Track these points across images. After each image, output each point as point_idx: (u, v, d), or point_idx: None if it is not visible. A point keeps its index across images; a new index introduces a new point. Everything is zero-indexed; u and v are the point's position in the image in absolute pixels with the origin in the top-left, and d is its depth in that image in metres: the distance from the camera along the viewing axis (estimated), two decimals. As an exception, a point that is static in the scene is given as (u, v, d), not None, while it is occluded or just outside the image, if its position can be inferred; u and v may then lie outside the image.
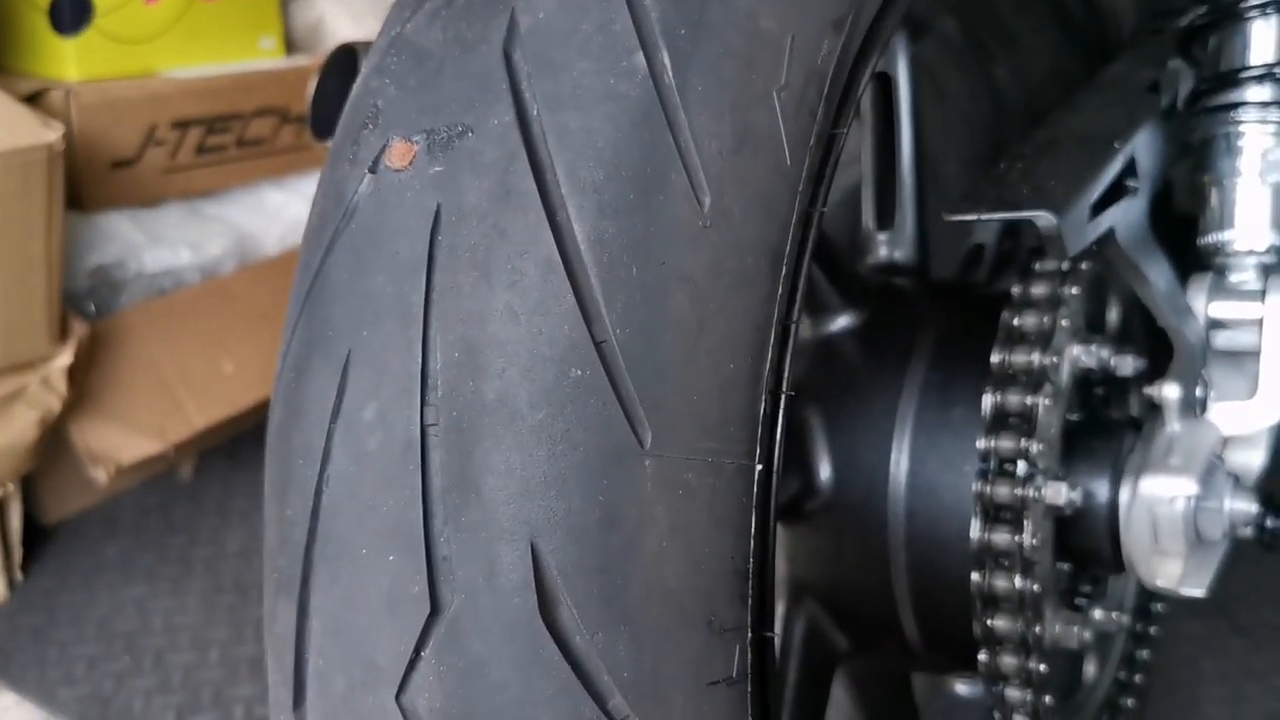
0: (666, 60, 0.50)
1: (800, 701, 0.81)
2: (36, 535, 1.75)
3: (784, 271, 0.51)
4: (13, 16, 1.78)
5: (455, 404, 0.47)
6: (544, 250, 0.48)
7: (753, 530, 0.50)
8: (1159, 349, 0.81)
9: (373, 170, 0.53)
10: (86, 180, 1.74)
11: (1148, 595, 1.00)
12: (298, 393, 0.52)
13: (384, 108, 0.54)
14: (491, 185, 0.49)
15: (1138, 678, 0.98)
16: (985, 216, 0.64)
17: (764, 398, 0.50)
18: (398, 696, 0.47)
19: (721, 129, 0.50)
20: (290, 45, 2.14)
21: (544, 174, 0.49)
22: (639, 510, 0.47)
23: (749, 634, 0.50)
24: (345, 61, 0.85)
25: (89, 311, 1.70)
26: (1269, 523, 0.80)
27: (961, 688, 0.99)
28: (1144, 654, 0.99)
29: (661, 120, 0.49)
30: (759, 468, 0.50)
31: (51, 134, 1.45)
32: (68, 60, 1.76)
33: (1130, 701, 0.97)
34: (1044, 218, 0.62)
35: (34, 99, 1.68)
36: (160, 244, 1.81)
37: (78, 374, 1.60)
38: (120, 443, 1.66)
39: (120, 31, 1.82)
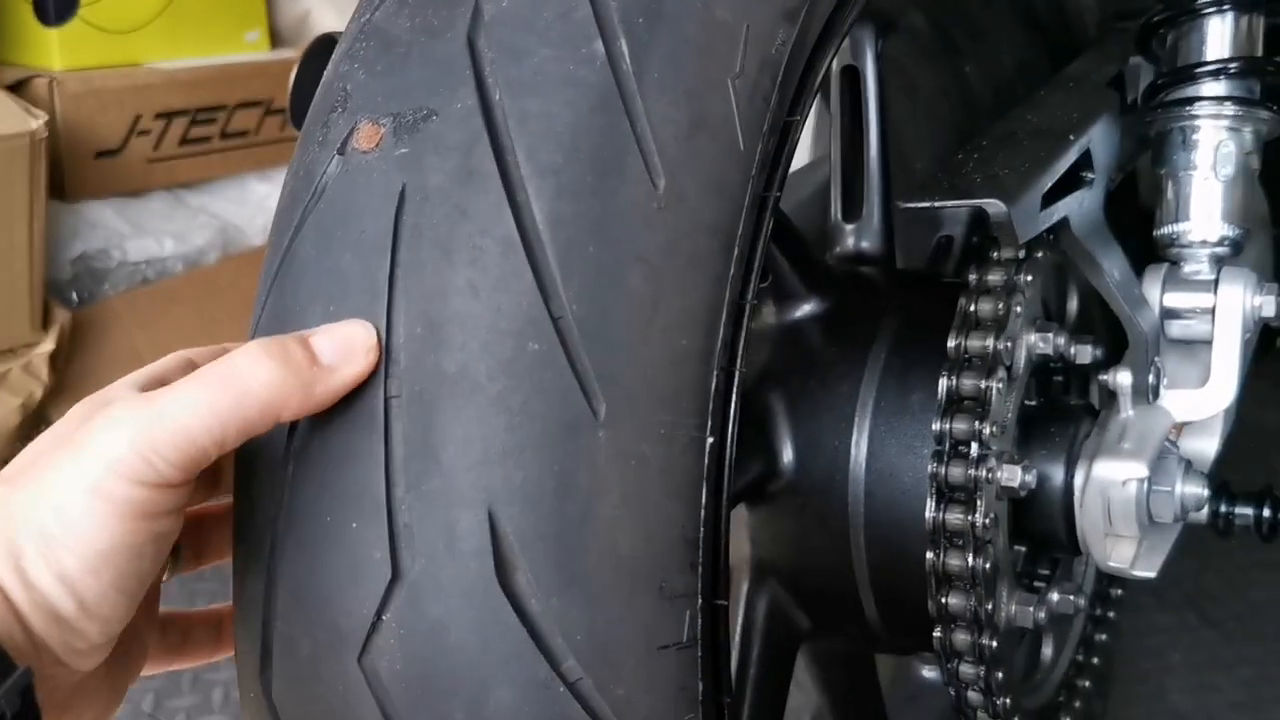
0: (625, 48, 0.51)
1: (762, 681, 0.83)
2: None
3: (736, 253, 0.53)
4: (-3, 6, 1.79)
5: (417, 376, 0.49)
6: (504, 229, 0.49)
7: (704, 500, 0.51)
8: (1117, 337, 0.83)
9: (341, 152, 0.54)
10: (70, 169, 1.75)
11: (1106, 579, 1.02)
12: (266, 367, 0.53)
13: (353, 91, 0.56)
14: (454, 167, 0.51)
15: (1095, 660, 1.00)
16: (938, 204, 0.65)
17: (716, 373, 0.52)
18: (360, 659, 0.49)
19: (677, 114, 0.52)
20: (276, 39, 2.15)
21: (505, 156, 0.50)
22: (593, 479, 0.49)
23: (699, 601, 0.52)
24: (325, 51, 0.86)
25: (72, 300, 1.71)
26: (1221, 508, 0.82)
27: (926, 672, 1.01)
28: (1103, 637, 1.01)
29: (619, 106, 0.51)
30: (710, 440, 0.51)
31: (34, 122, 1.47)
32: (52, 50, 1.77)
33: (1087, 683, 0.99)
34: (994, 205, 0.64)
35: (18, 88, 1.69)
36: (144, 233, 1.82)
37: (60, 361, 1.61)
38: (102, 430, 1.67)
39: (105, 22, 1.83)
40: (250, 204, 2.00)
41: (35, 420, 1.60)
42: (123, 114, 1.80)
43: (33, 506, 0.46)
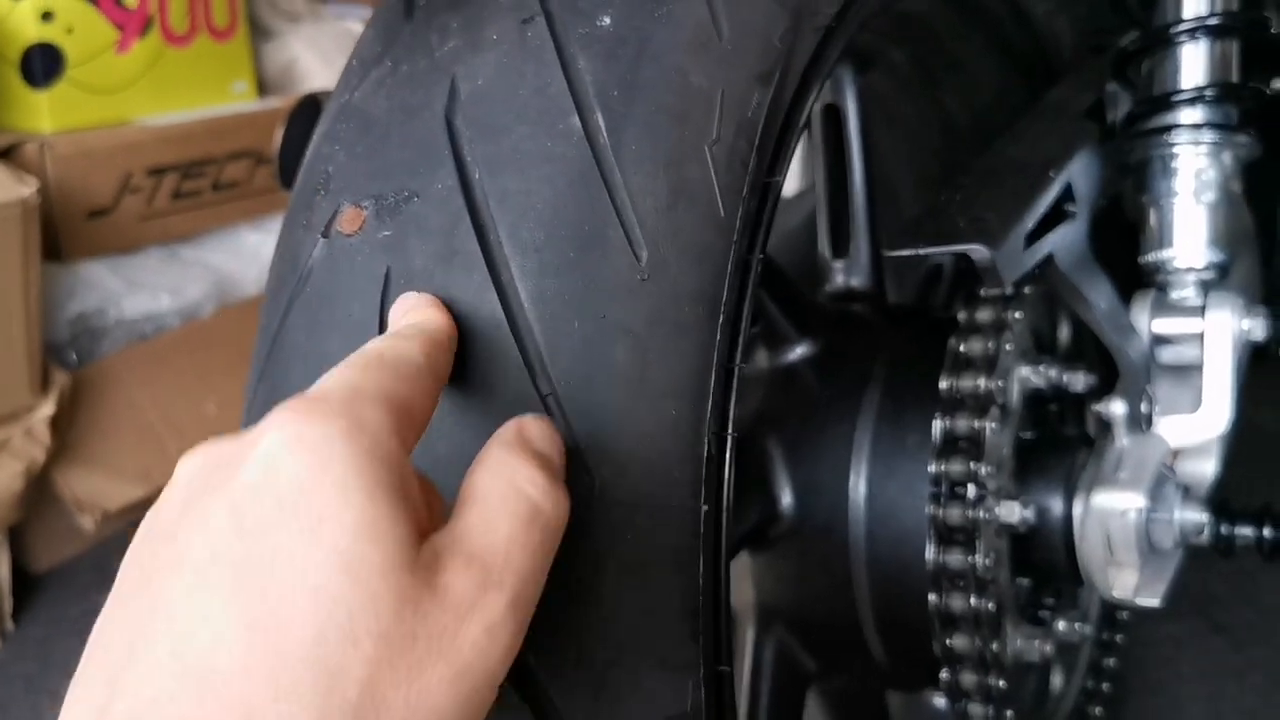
0: (601, 121, 0.52)
1: (774, 724, 0.83)
2: (26, 584, 1.76)
3: (722, 318, 0.53)
4: (-15, 71, 1.80)
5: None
6: (489, 309, 0.50)
7: (701, 569, 0.52)
8: (1111, 361, 0.83)
9: (325, 235, 0.55)
10: (64, 231, 1.75)
11: (1111, 604, 1.02)
12: (261, 453, 0.54)
13: (334, 174, 0.56)
14: (437, 248, 0.51)
15: (1105, 686, 1.00)
16: (923, 251, 0.66)
17: (707, 439, 0.52)
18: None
19: (656, 185, 0.52)
20: (263, 88, 2.16)
21: (487, 235, 0.51)
22: (591, 555, 0.49)
23: (702, 670, 0.52)
24: (311, 111, 0.87)
25: (70, 360, 1.71)
26: (1221, 530, 0.82)
27: (937, 700, 1.01)
28: (1111, 662, 1.01)
29: (598, 179, 0.51)
30: (704, 508, 0.52)
31: (25, 189, 1.47)
32: (41, 112, 1.78)
33: (1099, 710, 0.99)
34: (978, 251, 0.64)
35: (8, 153, 1.70)
36: (139, 290, 1.82)
37: (61, 423, 1.61)
38: (106, 489, 1.67)
39: (92, 82, 1.84)
40: (244, 254, 2.00)
41: (39, 484, 1.60)
42: (114, 173, 1.81)
43: None
